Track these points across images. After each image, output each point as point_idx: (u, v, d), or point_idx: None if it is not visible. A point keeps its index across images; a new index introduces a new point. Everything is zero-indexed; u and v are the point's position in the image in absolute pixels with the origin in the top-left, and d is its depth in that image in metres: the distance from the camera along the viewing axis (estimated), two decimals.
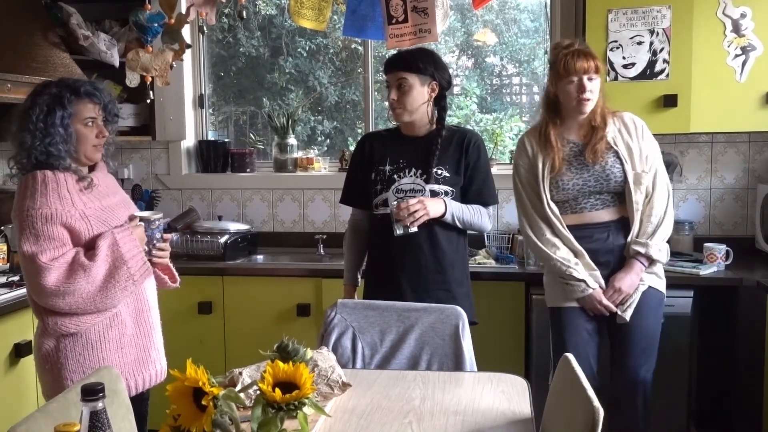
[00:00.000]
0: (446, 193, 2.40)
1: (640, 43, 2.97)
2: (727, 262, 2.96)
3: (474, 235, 2.94)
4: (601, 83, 2.41)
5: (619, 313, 2.37)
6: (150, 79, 2.92)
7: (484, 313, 2.61)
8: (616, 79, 2.99)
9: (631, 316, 2.36)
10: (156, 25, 2.87)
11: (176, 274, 2.21)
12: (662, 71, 2.96)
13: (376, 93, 3.78)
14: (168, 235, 2.09)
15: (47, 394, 1.96)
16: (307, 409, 1.32)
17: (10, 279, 2.76)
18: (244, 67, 4.07)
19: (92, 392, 1.13)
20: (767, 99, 2.93)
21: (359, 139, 2.69)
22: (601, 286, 2.38)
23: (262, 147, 4.00)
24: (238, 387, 1.61)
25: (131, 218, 2.01)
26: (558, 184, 2.41)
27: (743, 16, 2.93)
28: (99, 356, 1.94)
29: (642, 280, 2.38)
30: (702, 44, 2.94)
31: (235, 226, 3.53)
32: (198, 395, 1.25)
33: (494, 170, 2.84)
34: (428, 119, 2.46)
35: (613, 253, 2.41)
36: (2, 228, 3.06)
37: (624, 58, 2.96)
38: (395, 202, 2.33)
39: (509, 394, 1.78)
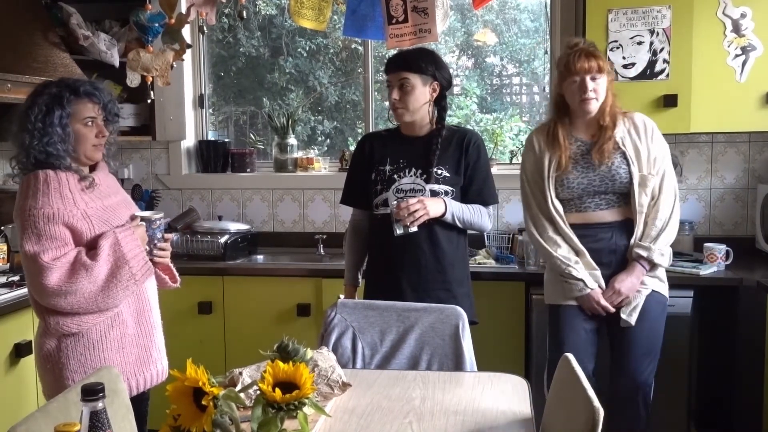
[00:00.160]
0: (446, 193, 2.40)
1: (640, 43, 2.97)
2: (727, 262, 2.96)
3: (474, 235, 2.94)
4: (610, 83, 2.40)
5: (623, 317, 2.36)
6: (151, 79, 2.92)
7: (484, 313, 2.61)
8: (616, 79, 2.98)
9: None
10: (157, 25, 2.87)
11: (177, 274, 2.21)
12: (662, 71, 2.96)
13: (376, 93, 3.78)
14: (169, 235, 2.09)
15: (48, 394, 1.96)
16: (307, 409, 1.32)
17: (10, 279, 2.76)
18: (244, 67, 4.07)
19: (92, 392, 1.13)
20: (767, 99, 2.93)
21: (359, 139, 2.69)
22: (600, 286, 2.38)
23: (262, 147, 4.00)
24: (238, 387, 1.61)
25: (132, 218, 2.01)
26: (563, 182, 2.41)
27: (743, 16, 2.93)
28: (100, 356, 1.94)
29: (645, 284, 2.38)
30: (702, 44, 2.94)
31: (235, 226, 3.53)
32: (198, 395, 1.25)
33: (494, 170, 2.84)
34: (429, 119, 2.46)
35: (616, 254, 2.40)
36: (2, 228, 3.06)
37: (624, 58, 2.96)
38: (395, 202, 2.33)
39: (509, 394, 1.78)
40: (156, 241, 2.02)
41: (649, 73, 2.97)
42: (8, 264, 2.98)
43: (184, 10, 2.84)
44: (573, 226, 2.41)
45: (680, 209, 2.43)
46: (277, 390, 1.26)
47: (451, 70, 2.53)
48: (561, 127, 2.43)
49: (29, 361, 2.52)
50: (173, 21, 2.77)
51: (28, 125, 1.91)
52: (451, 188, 2.41)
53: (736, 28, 2.94)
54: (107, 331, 1.95)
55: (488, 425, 1.58)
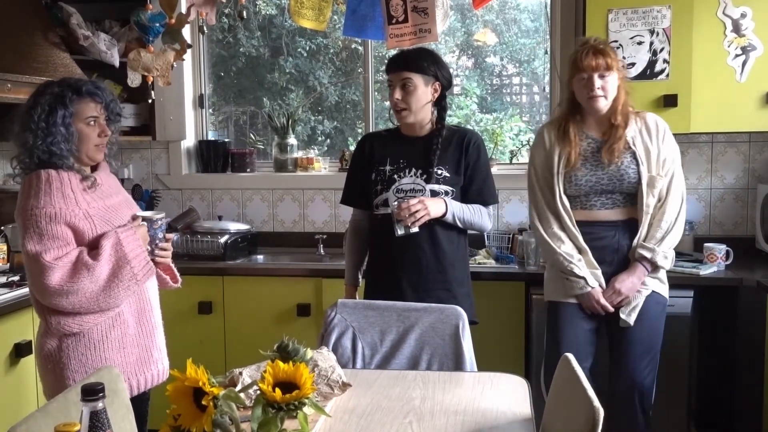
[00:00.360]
0: (446, 193, 2.41)
1: (640, 43, 2.97)
2: (727, 262, 2.96)
3: (474, 235, 2.94)
4: (622, 81, 2.39)
5: (622, 317, 2.36)
6: (152, 79, 2.92)
7: (484, 313, 2.61)
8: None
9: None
10: (157, 25, 2.88)
11: (178, 274, 2.21)
12: (662, 71, 2.96)
13: (376, 93, 3.78)
14: (170, 235, 2.09)
15: (49, 394, 1.96)
16: (307, 409, 1.32)
17: (10, 279, 2.75)
18: (244, 67, 4.07)
19: (92, 392, 1.13)
20: (767, 99, 2.93)
21: (359, 139, 2.69)
22: (601, 285, 2.38)
23: (262, 147, 4.00)
24: (238, 387, 1.61)
25: (134, 218, 2.01)
26: (571, 179, 2.40)
27: (743, 16, 2.93)
28: (101, 356, 1.94)
29: (645, 285, 2.38)
30: (702, 44, 2.94)
31: (235, 226, 3.53)
32: (198, 395, 1.25)
33: (494, 170, 2.83)
34: (429, 119, 2.46)
35: (618, 253, 2.40)
36: (2, 228, 3.06)
37: (624, 58, 2.96)
38: (396, 203, 2.33)
39: (509, 394, 1.78)
40: (157, 241, 2.02)
41: (649, 73, 2.97)
42: (8, 264, 2.98)
43: (184, 10, 2.84)
44: (577, 223, 2.40)
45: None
46: (277, 390, 1.26)
47: (451, 70, 2.53)
48: (572, 123, 2.42)
49: (29, 361, 2.52)
50: (173, 21, 2.77)
51: (31, 125, 1.91)
52: (451, 188, 2.41)
53: (736, 28, 2.94)
54: (108, 331, 1.95)
55: (488, 425, 1.58)
